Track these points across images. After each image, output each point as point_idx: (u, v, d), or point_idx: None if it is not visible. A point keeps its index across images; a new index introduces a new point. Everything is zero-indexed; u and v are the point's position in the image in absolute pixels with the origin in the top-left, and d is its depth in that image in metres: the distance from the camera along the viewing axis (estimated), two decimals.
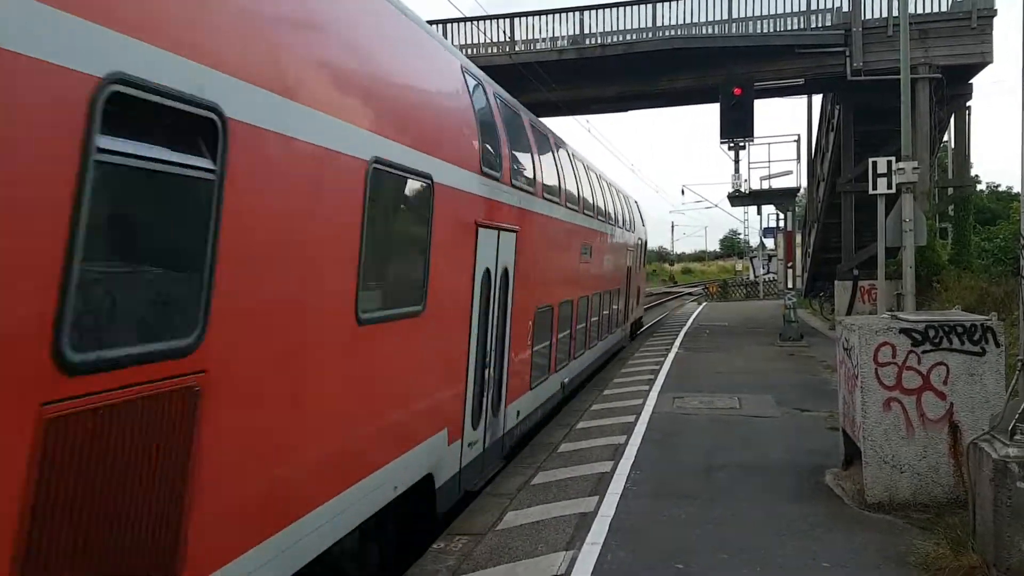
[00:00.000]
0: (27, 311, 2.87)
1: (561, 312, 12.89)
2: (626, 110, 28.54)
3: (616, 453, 9.68)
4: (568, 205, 13.29)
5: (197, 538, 3.73)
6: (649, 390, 14.15)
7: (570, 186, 13.70)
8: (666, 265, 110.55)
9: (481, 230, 8.32)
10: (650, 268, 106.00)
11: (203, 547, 3.79)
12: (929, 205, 20.75)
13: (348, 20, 5.63)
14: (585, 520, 7.25)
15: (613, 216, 18.95)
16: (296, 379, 4.65)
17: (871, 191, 14.47)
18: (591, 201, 15.77)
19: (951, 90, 22.14)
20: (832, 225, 26.54)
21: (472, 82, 8.61)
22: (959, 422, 7.25)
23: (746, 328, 26.60)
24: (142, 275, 3.48)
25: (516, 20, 25.06)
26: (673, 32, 24.13)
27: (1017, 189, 53.12)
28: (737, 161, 23.15)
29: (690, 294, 60.18)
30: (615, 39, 24.36)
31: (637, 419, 11.66)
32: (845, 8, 22.61)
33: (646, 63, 23.28)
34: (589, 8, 24.68)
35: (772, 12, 23.56)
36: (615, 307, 19.97)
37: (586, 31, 24.65)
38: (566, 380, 13.87)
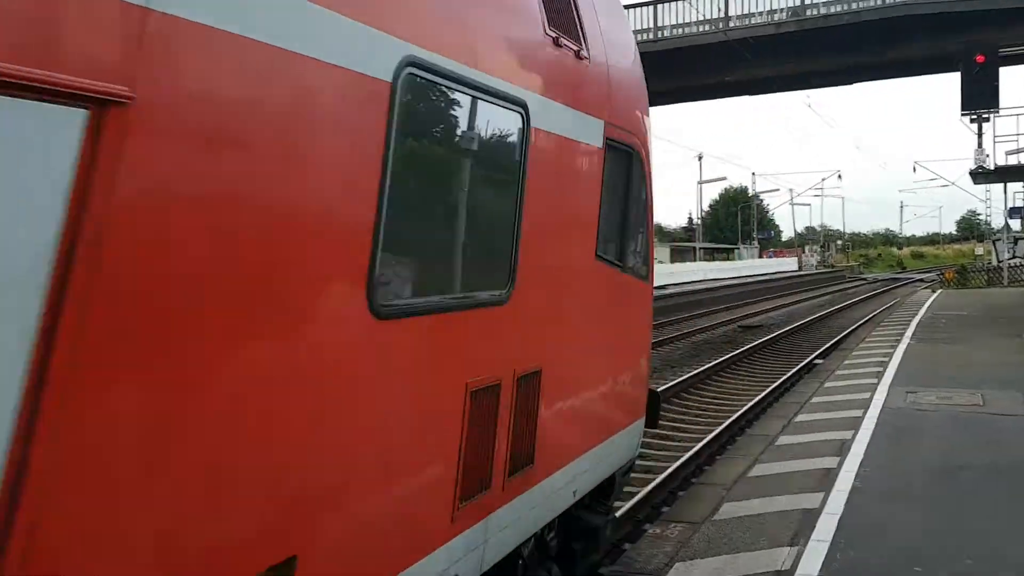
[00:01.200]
0: None
1: None
2: (850, 83, 26.88)
3: (842, 449, 9.17)
4: None
5: None
6: (877, 383, 13.25)
7: None
8: (894, 249, 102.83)
9: None
10: (874, 252, 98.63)
11: None
12: None
13: None
14: (810, 517, 6.95)
15: None
16: None
17: None
18: None
19: None
20: None
21: None
22: None
23: (988, 318, 24.14)
24: None
25: None
26: None
27: None
28: (980, 135, 21.27)
29: (921, 280, 55.76)
30: (839, 8, 22.89)
31: (864, 413, 10.96)
32: None
33: (873, 32, 21.72)
34: None
35: None
36: None
37: (806, 2, 23.34)
38: None
